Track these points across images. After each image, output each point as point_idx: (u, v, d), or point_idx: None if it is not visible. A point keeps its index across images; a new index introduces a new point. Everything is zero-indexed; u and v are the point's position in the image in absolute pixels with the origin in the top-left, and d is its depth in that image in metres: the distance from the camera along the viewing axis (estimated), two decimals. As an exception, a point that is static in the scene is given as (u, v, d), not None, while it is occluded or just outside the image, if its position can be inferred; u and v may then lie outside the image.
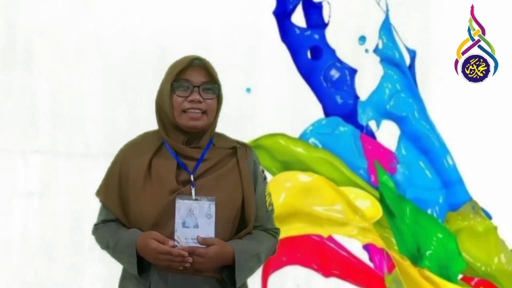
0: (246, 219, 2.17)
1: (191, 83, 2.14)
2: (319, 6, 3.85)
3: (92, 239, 2.30)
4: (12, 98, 3.98)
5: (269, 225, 2.27)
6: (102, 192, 2.23)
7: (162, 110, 2.19)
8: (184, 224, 2.09)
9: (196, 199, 2.10)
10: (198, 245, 2.08)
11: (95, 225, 2.27)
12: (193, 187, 2.12)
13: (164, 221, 2.10)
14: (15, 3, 3.96)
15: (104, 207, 2.24)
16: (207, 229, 2.09)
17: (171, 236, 2.08)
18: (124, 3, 3.98)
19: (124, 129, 3.83)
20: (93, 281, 3.97)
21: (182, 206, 2.09)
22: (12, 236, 4.00)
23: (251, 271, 2.19)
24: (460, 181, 3.84)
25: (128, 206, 2.17)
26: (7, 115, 3.98)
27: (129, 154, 2.21)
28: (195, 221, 2.09)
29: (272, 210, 2.29)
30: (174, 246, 2.07)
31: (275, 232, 2.28)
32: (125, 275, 2.22)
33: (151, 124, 2.30)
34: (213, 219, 2.09)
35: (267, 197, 2.26)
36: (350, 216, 3.62)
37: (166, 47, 3.90)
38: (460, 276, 3.81)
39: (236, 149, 2.21)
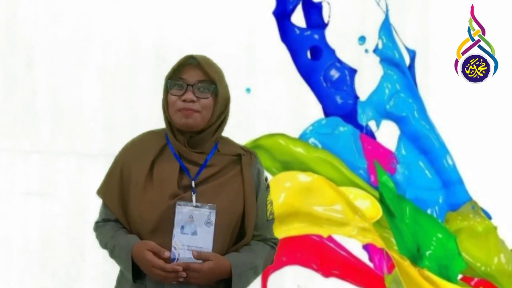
0: (245, 229, 2.15)
1: (185, 82, 2.11)
2: (318, 6, 3.85)
3: (92, 238, 2.30)
4: (12, 98, 3.98)
5: (268, 234, 2.23)
6: (103, 191, 2.20)
7: (164, 109, 2.18)
8: (182, 230, 2.07)
9: (196, 206, 2.08)
10: (196, 252, 2.06)
11: (96, 222, 2.26)
12: (194, 193, 2.09)
13: (163, 226, 2.08)
14: (16, 3, 3.97)
15: (105, 206, 2.22)
16: (206, 237, 2.07)
17: (169, 241, 2.07)
18: (124, 3, 3.99)
19: (124, 129, 3.83)
20: (93, 281, 3.98)
21: (182, 212, 2.07)
22: (12, 236, 4.00)
23: (247, 284, 2.16)
24: (459, 181, 3.84)
25: (128, 207, 2.14)
26: (7, 115, 3.98)
27: (131, 154, 2.18)
28: (194, 228, 2.07)
29: (273, 219, 2.25)
30: (170, 258, 2.05)
31: (274, 242, 2.25)
32: (123, 276, 2.20)
33: (151, 123, 2.30)
34: (212, 227, 2.07)
35: (268, 206, 2.22)
36: (350, 216, 3.62)
37: (166, 47, 3.91)
38: (460, 276, 3.81)
39: (240, 156, 2.17)
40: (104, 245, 2.21)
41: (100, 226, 2.23)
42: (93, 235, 2.29)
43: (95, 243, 2.28)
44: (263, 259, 2.18)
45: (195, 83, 2.11)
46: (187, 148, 2.14)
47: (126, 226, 2.16)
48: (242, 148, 2.22)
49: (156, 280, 2.08)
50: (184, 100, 2.09)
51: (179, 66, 2.13)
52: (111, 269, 2.30)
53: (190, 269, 2.03)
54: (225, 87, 2.17)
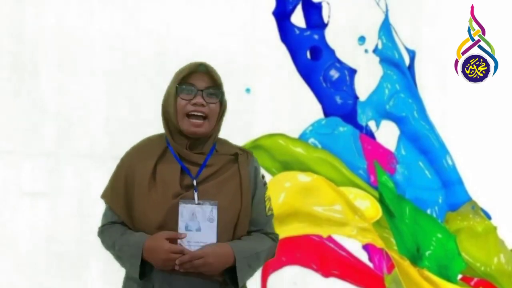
0: (239, 222, 2.21)
1: (195, 87, 2.20)
2: (318, 7, 3.85)
3: (97, 238, 2.31)
4: (19, 102, 4.01)
5: (268, 229, 2.30)
6: (108, 195, 2.26)
7: (168, 113, 2.24)
8: (187, 228, 2.13)
9: (199, 203, 2.15)
10: (201, 246, 2.12)
11: (101, 226, 2.30)
12: (195, 191, 2.16)
13: (167, 225, 2.14)
14: (22, 9, 3.99)
15: (110, 209, 2.27)
16: (209, 233, 2.14)
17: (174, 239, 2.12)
18: (126, 7, 4.00)
19: (128, 131, 3.86)
20: (98, 280, 3.99)
21: (185, 209, 2.14)
22: (19, 236, 4.02)
23: (252, 271, 2.22)
24: (459, 181, 3.84)
25: (133, 209, 2.20)
26: (14, 118, 4.01)
27: (134, 158, 2.25)
28: (198, 224, 2.13)
29: (272, 214, 2.32)
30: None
31: (275, 236, 2.32)
32: (129, 276, 2.24)
33: (155, 126, 2.33)
34: (215, 223, 2.14)
35: (266, 202, 2.29)
36: (350, 216, 3.62)
37: (168, 49, 3.93)
38: (459, 276, 3.81)
39: (237, 155, 2.25)
40: (111, 245, 2.24)
41: (106, 229, 2.27)
42: (97, 236, 2.31)
43: (100, 243, 2.31)
44: (264, 247, 2.24)
45: (205, 88, 2.20)
46: (187, 150, 2.21)
47: (131, 227, 2.21)
48: (239, 148, 2.31)
49: (164, 274, 2.13)
50: (194, 104, 2.18)
51: (189, 73, 2.20)
52: (116, 269, 2.31)
53: (196, 257, 2.09)
54: (225, 94, 2.26)
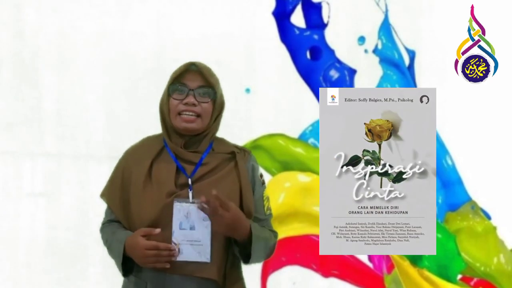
0: (244, 212, 2.20)
1: (187, 87, 2.21)
2: (318, 7, 3.85)
3: (96, 237, 2.36)
4: (20, 103, 4.01)
5: (267, 227, 2.30)
6: (106, 194, 2.30)
7: (163, 113, 2.26)
8: (181, 226, 2.14)
9: (193, 202, 2.15)
10: (195, 245, 2.14)
11: (102, 224, 2.34)
12: (190, 190, 2.18)
13: (162, 223, 2.15)
14: (22, 9, 4.00)
15: (109, 208, 2.30)
16: (204, 231, 2.15)
17: (168, 237, 2.14)
18: (125, 7, 4.01)
19: (127, 132, 3.86)
20: (98, 280, 3.99)
21: (179, 208, 2.15)
22: (19, 236, 4.03)
23: (259, 254, 2.22)
24: (459, 181, 3.84)
25: (129, 208, 2.22)
26: (15, 119, 4.02)
27: (131, 158, 2.28)
28: (192, 223, 2.15)
29: (270, 214, 2.33)
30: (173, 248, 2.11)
31: (274, 235, 2.33)
32: (128, 277, 2.26)
33: (154, 127, 2.34)
34: (209, 222, 2.14)
35: (265, 202, 2.30)
36: (349, 216, 3.61)
37: (167, 50, 3.93)
38: (459, 276, 3.81)
39: (234, 153, 2.26)
40: (105, 243, 2.29)
41: (105, 227, 2.32)
42: (97, 234, 2.36)
43: (99, 242, 2.34)
44: (271, 240, 2.25)
45: (196, 88, 2.21)
46: (182, 149, 2.23)
47: (126, 226, 2.24)
48: (236, 146, 2.32)
49: (157, 273, 2.15)
50: (185, 104, 2.20)
51: (181, 73, 2.22)
52: (115, 268, 2.32)
53: (225, 202, 2.08)
54: (221, 93, 2.28)
